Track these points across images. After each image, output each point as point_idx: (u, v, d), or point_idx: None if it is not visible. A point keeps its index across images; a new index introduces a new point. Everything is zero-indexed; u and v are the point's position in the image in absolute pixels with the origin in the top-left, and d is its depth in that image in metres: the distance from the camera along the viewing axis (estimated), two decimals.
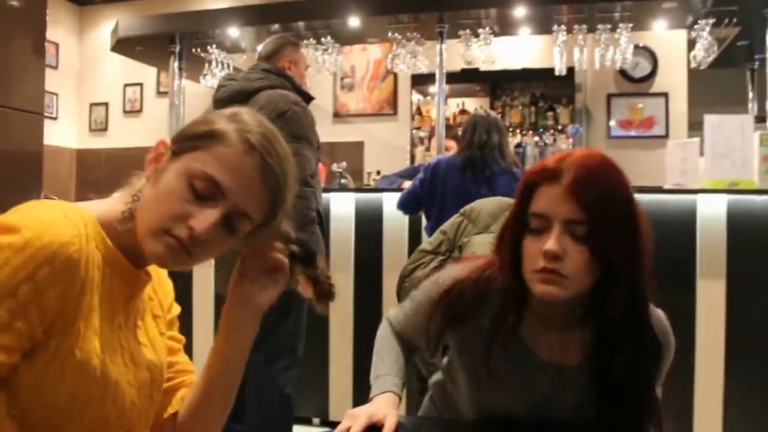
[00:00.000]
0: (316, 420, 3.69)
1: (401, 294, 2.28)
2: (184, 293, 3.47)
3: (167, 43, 5.05)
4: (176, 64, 5.17)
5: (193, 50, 5.17)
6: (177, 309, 1.25)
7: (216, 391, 1.15)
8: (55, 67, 7.14)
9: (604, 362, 1.22)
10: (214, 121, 1.02)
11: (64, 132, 7.37)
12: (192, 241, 0.96)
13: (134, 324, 1.09)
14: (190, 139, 1.00)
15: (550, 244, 1.12)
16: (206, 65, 5.22)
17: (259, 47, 2.95)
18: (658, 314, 1.28)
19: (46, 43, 2.95)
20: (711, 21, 4.20)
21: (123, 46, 5.30)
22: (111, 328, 1.01)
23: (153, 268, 1.12)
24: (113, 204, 1.02)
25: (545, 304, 1.22)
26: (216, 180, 0.97)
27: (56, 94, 7.18)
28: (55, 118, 7.15)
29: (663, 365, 1.28)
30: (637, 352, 1.20)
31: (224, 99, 2.65)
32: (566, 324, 1.26)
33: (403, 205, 3.42)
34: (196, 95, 5.34)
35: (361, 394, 3.66)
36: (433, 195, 3.27)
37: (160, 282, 1.19)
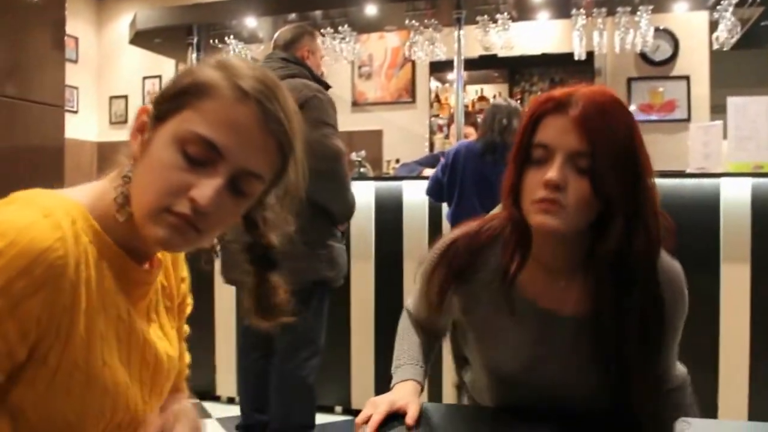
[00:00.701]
0: (338, 408, 3.71)
1: None
2: (206, 282, 3.49)
3: (185, 34, 5.06)
4: (194, 55, 5.18)
5: (211, 41, 5.19)
6: (190, 300, 1.15)
7: None
8: (75, 61, 7.20)
9: (606, 312, 1.16)
10: (197, 72, 0.88)
11: (84, 125, 7.43)
12: (197, 215, 0.83)
13: (148, 318, 0.99)
14: (173, 99, 0.86)
15: (552, 172, 1.09)
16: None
17: (275, 35, 2.93)
18: (671, 265, 1.23)
19: (65, 37, 2.98)
20: (734, 1, 4.13)
21: (141, 38, 5.33)
22: (119, 327, 0.91)
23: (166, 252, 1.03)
24: (104, 189, 0.90)
25: (546, 246, 1.19)
26: (211, 140, 0.83)
27: (76, 88, 7.23)
28: (75, 112, 7.22)
29: (674, 319, 1.21)
30: (640, 299, 1.15)
31: None
32: (568, 271, 1.22)
33: (430, 192, 3.44)
34: None
35: (384, 383, 3.66)
36: (453, 181, 3.27)
37: (175, 267, 1.08)
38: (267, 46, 5.04)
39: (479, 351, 1.33)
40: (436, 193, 3.42)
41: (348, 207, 2.73)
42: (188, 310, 1.14)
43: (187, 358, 1.16)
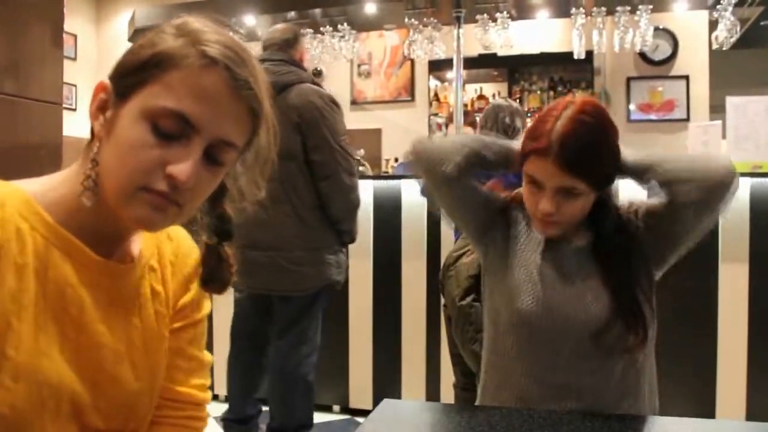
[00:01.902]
0: (336, 407, 3.70)
1: (445, 283, 2.26)
2: None
3: None
4: None
5: None
6: (203, 310, 1.04)
7: None
8: (74, 59, 7.18)
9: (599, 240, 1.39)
10: (158, 42, 0.83)
11: (83, 123, 7.37)
12: (177, 192, 0.80)
13: (125, 322, 0.91)
14: (135, 73, 0.82)
15: (544, 205, 1.29)
16: None
17: (268, 33, 2.82)
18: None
19: (64, 35, 2.97)
20: (734, 0, 4.13)
21: (140, 36, 5.32)
22: (65, 320, 0.84)
23: (174, 257, 0.99)
24: (64, 178, 0.87)
25: None
26: (182, 113, 0.79)
27: (75, 86, 7.21)
28: (74, 110, 7.19)
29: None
30: (624, 239, 1.38)
31: None
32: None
33: (425, 192, 3.41)
34: None
35: (381, 382, 3.68)
36: None
37: (174, 272, 1.00)
38: None
39: (506, 286, 1.43)
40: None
41: (356, 223, 2.78)
42: (195, 317, 1.03)
43: (198, 380, 1.06)
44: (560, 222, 1.32)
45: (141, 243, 0.96)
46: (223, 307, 3.02)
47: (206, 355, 1.07)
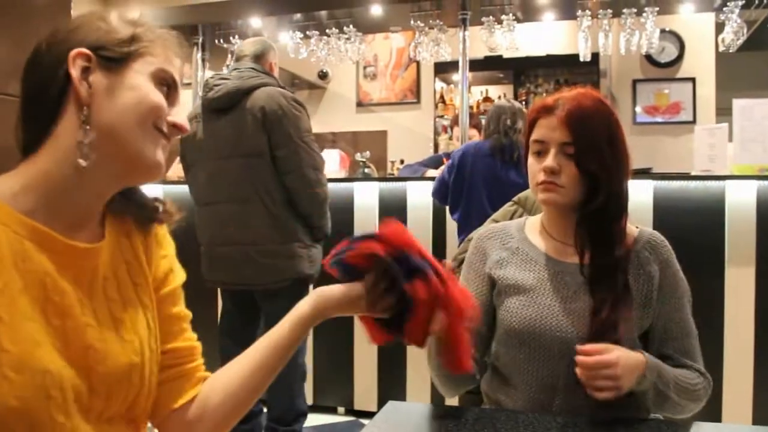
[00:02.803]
0: (341, 409, 3.71)
1: None
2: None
3: (190, 34, 5.07)
4: (199, 55, 5.19)
5: (216, 41, 5.19)
6: (178, 278, 1.10)
7: (261, 382, 1.09)
8: None
9: (591, 262, 1.44)
10: (125, 26, 0.99)
11: None
12: (171, 136, 0.98)
13: (105, 299, 0.96)
14: (127, 43, 0.96)
15: (548, 161, 1.42)
16: (229, 56, 5.23)
17: (239, 46, 3.08)
18: (653, 234, 1.51)
19: None
20: (740, 3, 4.12)
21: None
22: (47, 308, 0.87)
23: (147, 228, 1.05)
24: (23, 169, 0.92)
25: (553, 219, 1.51)
26: (174, 76, 0.98)
27: None
28: None
29: (663, 284, 1.45)
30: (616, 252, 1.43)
31: (221, 97, 2.75)
32: (568, 238, 1.48)
33: (436, 194, 3.43)
34: None
35: (386, 383, 3.67)
36: (460, 181, 3.27)
37: (150, 243, 1.06)
38: None
39: (508, 303, 1.47)
40: (441, 194, 3.42)
41: (327, 218, 2.90)
42: (175, 284, 1.08)
43: (196, 347, 1.11)
44: (560, 187, 1.41)
45: (109, 220, 1.01)
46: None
47: (187, 310, 1.13)
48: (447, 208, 3.47)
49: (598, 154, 1.40)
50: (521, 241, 1.53)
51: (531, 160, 1.48)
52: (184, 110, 0.98)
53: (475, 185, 3.20)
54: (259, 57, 2.93)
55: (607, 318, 1.35)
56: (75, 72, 0.90)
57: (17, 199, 0.88)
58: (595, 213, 1.42)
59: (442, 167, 3.55)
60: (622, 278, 1.40)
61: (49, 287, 0.88)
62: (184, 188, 3.03)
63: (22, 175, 0.90)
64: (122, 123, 0.91)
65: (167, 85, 0.97)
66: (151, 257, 1.05)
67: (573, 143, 1.41)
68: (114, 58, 0.93)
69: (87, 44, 0.92)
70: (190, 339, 1.09)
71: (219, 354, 2.90)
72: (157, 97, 0.94)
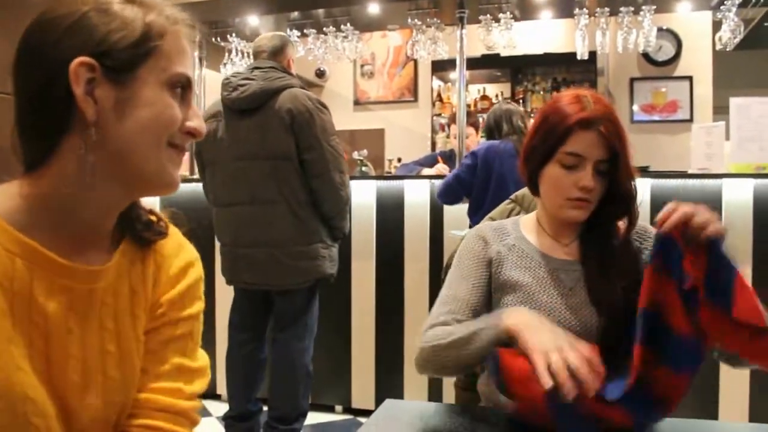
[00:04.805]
0: (338, 408, 3.71)
1: None
2: (207, 282, 3.49)
3: None
4: (196, 53, 5.18)
5: (213, 39, 5.18)
6: (187, 309, 0.99)
7: None
8: None
9: (592, 260, 1.44)
10: (138, 18, 0.85)
11: None
12: (187, 144, 0.91)
13: (98, 328, 0.89)
14: (135, 46, 0.83)
15: (589, 180, 1.38)
16: (226, 54, 5.23)
17: (257, 42, 3.01)
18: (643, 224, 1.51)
19: None
20: (737, 1, 4.12)
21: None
22: (32, 331, 0.82)
23: (161, 257, 0.96)
24: (21, 184, 0.84)
25: (562, 227, 1.49)
26: (188, 76, 0.89)
27: None
28: None
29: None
30: (620, 252, 1.44)
31: (246, 98, 2.73)
32: (570, 240, 1.50)
33: (446, 195, 3.38)
34: (217, 84, 5.34)
35: (384, 382, 3.67)
36: (487, 181, 3.25)
37: (159, 272, 0.97)
38: None
39: (506, 301, 1.46)
40: (453, 195, 3.37)
41: (348, 219, 2.91)
42: (174, 316, 0.98)
43: (169, 383, 0.97)
44: (590, 203, 1.41)
45: (126, 242, 0.94)
46: (227, 305, 3.03)
47: (190, 360, 1.01)
48: (445, 207, 3.46)
49: (627, 170, 1.40)
50: (518, 239, 1.53)
51: (559, 171, 1.42)
52: (198, 110, 0.91)
53: (504, 185, 3.14)
54: (278, 53, 2.91)
55: (611, 307, 1.37)
56: (78, 89, 0.79)
57: (15, 215, 0.82)
58: (601, 213, 1.44)
59: (455, 169, 3.51)
60: (617, 270, 1.41)
61: (34, 309, 0.82)
62: (189, 186, 3.02)
63: (24, 189, 0.84)
64: (136, 144, 0.84)
65: (181, 86, 0.88)
66: (158, 283, 0.97)
67: (608, 161, 1.39)
68: (122, 67, 0.82)
69: (89, 49, 0.80)
70: (161, 391, 0.95)
71: (233, 352, 2.91)
72: (173, 111, 0.86)
